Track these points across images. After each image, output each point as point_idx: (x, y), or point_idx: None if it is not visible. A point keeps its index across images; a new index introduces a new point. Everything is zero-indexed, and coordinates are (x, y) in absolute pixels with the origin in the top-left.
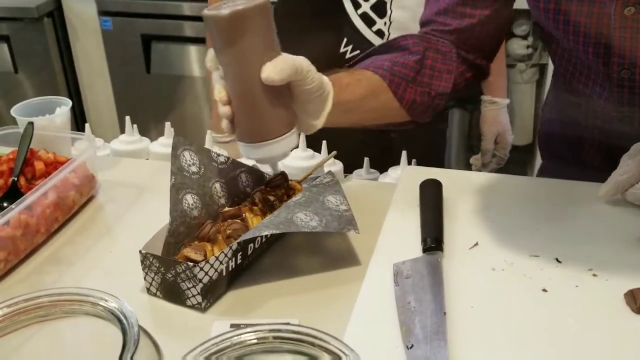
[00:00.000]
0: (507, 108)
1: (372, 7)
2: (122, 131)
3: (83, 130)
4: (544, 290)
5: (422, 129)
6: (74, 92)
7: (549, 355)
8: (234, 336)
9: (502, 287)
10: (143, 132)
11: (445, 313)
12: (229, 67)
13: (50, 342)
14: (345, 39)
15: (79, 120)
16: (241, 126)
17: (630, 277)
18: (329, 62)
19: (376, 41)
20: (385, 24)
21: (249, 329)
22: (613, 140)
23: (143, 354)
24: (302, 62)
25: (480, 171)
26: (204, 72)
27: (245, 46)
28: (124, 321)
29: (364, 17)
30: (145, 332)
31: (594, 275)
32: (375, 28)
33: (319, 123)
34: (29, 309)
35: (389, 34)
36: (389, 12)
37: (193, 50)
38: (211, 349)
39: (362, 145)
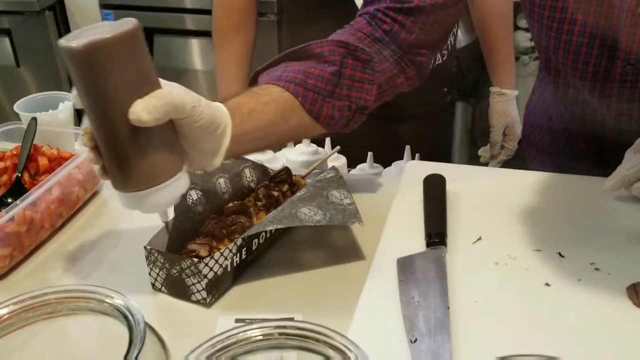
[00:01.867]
0: (515, 100)
1: None
2: None
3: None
4: (547, 284)
5: (429, 122)
6: None
7: (551, 349)
8: (239, 332)
9: (505, 281)
10: None
11: (448, 307)
12: (90, 109)
13: (56, 339)
14: None
15: (81, 115)
16: (113, 174)
17: (632, 271)
18: None
19: None
20: None
21: (254, 326)
22: (606, 135)
23: (149, 350)
24: (184, 97)
25: (488, 163)
26: (206, 65)
27: (108, 84)
28: (130, 318)
29: None
30: (152, 328)
31: (596, 269)
32: None
33: (216, 162)
34: (35, 306)
35: None
36: None
37: (195, 43)
38: (217, 345)
39: (366, 140)
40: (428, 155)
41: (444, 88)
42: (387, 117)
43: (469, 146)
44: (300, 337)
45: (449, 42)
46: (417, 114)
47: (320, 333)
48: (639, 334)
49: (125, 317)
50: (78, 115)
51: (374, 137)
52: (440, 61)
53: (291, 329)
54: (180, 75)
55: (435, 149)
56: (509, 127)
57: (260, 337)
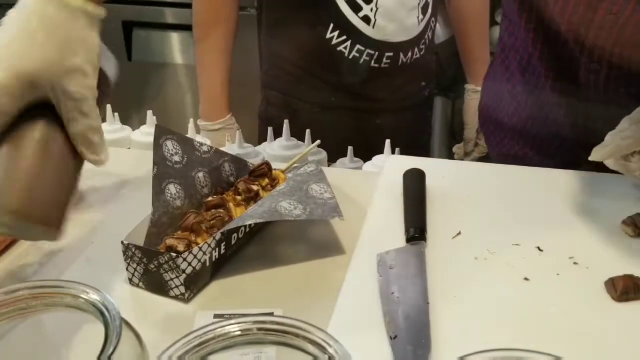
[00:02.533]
0: None
1: None
2: (103, 119)
3: None
4: (526, 278)
5: (407, 116)
6: None
7: (531, 344)
8: (217, 328)
9: (484, 276)
10: (124, 119)
11: (428, 303)
12: None
13: (30, 335)
14: (331, 25)
15: None
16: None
17: (610, 264)
18: (315, 48)
19: (362, 27)
20: (371, 9)
21: (232, 321)
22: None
23: (125, 346)
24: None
25: (462, 159)
26: (185, 59)
27: None
28: (106, 314)
29: (350, 2)
30: (128, 324)
31: (575, 263)
32: (361, 14)
33: None
34: (9, 302)
35: (375, 20)
36: None
37: (175, 37)
38: (193, 341)
39: (346, 133)
40: (407, 149)
41: (421, 82)
42: (366, 111)
43: (448, 141)
44: (279, 332)
45: (426, 37)
46: (395, 108)
47: (299, 328)
48: (618, 328)
49: (102, 313)
50: None
51: (354, 131)
52: (418, 55)
53: (270, 324)
54: (160, 69)
55: (414, 143)
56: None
57: (239, 333)
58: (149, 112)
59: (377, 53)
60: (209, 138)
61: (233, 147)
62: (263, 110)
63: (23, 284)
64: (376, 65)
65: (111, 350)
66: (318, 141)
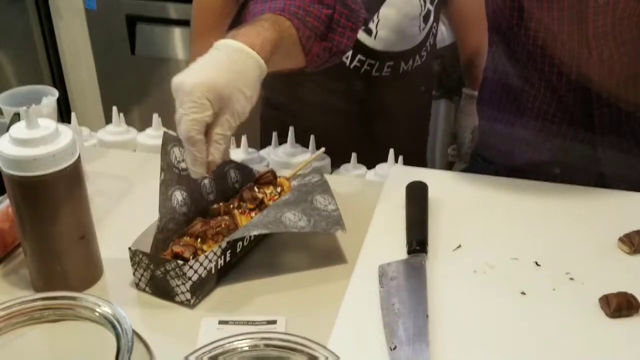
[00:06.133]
0: None
1: None
2: (106, 114)
3: (67, 113)
4: (523, 293)
5: (407, 120)
6: (57, 73)
7: (526, 358)
8: (226, 344)
9: (482, 290)
10: (126, 114)
11: (427, 316)
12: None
13: (41, 345)
14: None
15: (61, 102)
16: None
17: (606, 281)
18: None
19: (364, 39)
20: (373, 21)
21: (240, 337)
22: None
23: (136, 358)
24: (245, 109)
25: (455, 161)
26: (188, 55)
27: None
28: (118, 327)
29: None
30: (138, 336)
31: (571, 279)
32: None
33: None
34: (24, 312)
35: (377, 31)
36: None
37: (178, 32)
38: (203, 356)
39: (346, 138)
40: (406, 152)
41: (422, 87)
42: (366, 116)
43: (450, 143)
44: (285, 348)
45: (427, 43)
46: (395, 113)
47: (304, 345)
48: (611, 344)
49: (113, 326)
50: (61, 111)
51: (354, 135)
52: (419, 62)
53: (276, 340)
54: (162, 64)
55: (414, 146)
56: (478, 129)
57: (247, 348)
58: (155, 116)
59: (378, 63)
60: None
61: (238, 152)
62: (263, 112)
63: (38, 294)
64: (377, 74)
65: None
66: (323, 149)
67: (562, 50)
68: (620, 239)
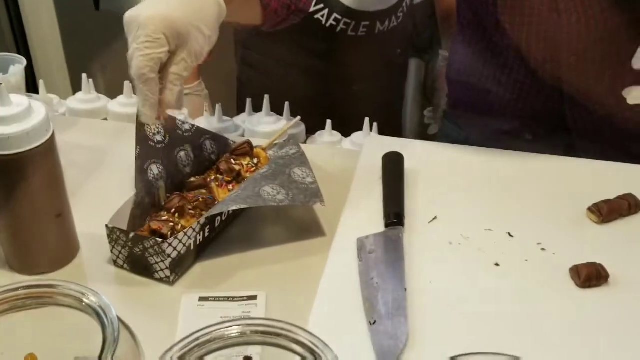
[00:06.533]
0: None
1: None
2: (71, 76)
3: (32, 77)
4: (497, 264)
5: (382, 81)
6: (19, 34)
7: (500, 329)
8: (214, 331)
9: (458, 262)
10: (93, 74)
11: (406, 289)
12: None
13: (25, 332)
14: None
15: (31, 79)
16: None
17: (576, 251)
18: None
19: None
20: None
21: (227, 324)
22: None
23: (122, 348)
24: (202, 50)
25: (431, 123)
26: None
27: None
28: (104, 317)
29: None
30: (123, 323)
31: (543, 249)
32: None
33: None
34: (6, 301)
35: None
36: None
37: None
38: (191, 344)
39: (323, 100)
40: (384, 116)
41: (397, 49)
42: (342, 77)
43: (421, 103)
44: (270, 334)
45: (404, 4)
46: (370, 74)
47: (289, 331)
48: (582, 314)
49: (98, 314)
50: (29, 79)
51: (330, 96)
52: (395, 23)
53: (263, 327)
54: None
55: (388, 108)
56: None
57: (235, 334)
58: (126, 83)
59: (353, 22)
60: None
61: (212, 120)
62: (240, 72)
63: (21, 282)
64: (353, 34)
65: (110, 358)
66: (298, 117)
67: (532, 15)
68: (589, 209)
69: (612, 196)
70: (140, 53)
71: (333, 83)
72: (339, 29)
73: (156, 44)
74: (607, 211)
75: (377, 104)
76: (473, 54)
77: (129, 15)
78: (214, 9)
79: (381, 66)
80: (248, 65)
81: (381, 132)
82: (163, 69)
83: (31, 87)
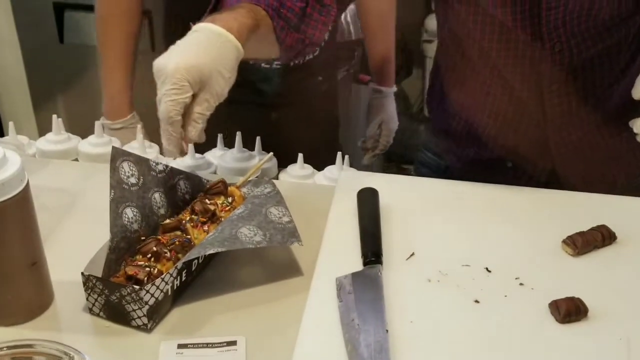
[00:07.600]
0: (393, 96)
1: None
2: (36, 108)
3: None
4: (476, 301)
5: (311, 108)
6: None
7: None
8: None
9: (437, 300)
10: (56, 105)
11: (387, 330)
12: None
13: None
14: None
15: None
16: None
17: (553, 285)
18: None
19: None
20: None
21: None
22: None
23: None
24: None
25: (366, 153)
26: None
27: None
28: None
29: None
30: None
31: (521, 284)
32: None
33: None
34: None
35: None
36: None
37: None
38: None
39: (260, 129)
40: (320, 142)
41: (319, 77)
42: (270, 106)
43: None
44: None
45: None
46: (294, 103)
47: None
48: (561, 350)
49: None
50: None
51: (267, 127)
52: (311, 56)
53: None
54: (93, 52)
55: (327, 136)
56: (384, 123)
57: None
58: (97, 123)
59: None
60: (112, 137)
61: (186, 158)
62: None
63: (3, 342)
64: (267, 66)
65: None
66: (271, 154)
67: (517, 43)
68: (564, 241)
69: (586, 227)
70: (168, 99)
71: (256, 110)
72: (252, 60)
73: (182, 90)
74: (582, 243)
75: (311, 131)
76: (454, 82)
77: (158, 64)
78: (233, 53)
79: (302, 94)
80: None
81: (323, 157)
82: (187, 110)
83: None
